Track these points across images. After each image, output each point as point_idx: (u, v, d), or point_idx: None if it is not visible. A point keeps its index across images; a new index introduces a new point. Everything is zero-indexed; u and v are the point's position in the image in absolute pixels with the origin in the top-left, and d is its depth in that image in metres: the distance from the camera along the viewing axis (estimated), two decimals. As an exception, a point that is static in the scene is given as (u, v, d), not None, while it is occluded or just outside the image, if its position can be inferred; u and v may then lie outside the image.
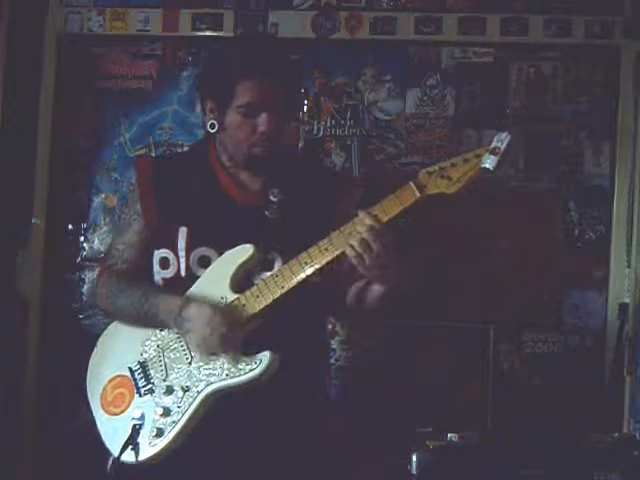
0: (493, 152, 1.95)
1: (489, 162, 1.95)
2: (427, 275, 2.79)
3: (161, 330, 2.12)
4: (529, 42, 2.87)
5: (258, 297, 2.04)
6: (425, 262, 2.80)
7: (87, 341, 2.28)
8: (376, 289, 2.07)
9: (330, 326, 2.80)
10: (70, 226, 3.00)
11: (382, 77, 2.92)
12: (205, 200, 2.15)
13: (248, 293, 2.05)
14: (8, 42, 2.84)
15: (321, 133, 2.93)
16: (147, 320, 2.12)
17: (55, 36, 2.97)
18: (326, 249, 2.01)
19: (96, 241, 2.98)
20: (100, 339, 2.23)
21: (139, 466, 2.01)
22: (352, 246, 1.96)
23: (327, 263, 2.01)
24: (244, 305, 2.04)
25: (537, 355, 2.84)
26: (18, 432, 2.91)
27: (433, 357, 2.84)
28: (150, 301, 2.10)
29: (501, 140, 1.96)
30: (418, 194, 1.98)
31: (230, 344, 2.01)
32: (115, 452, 2.04)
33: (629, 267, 2.80)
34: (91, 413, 2.15)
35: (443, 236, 2.79)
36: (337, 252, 2.01)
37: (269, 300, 2.03)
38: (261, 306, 2.03)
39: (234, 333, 2.01)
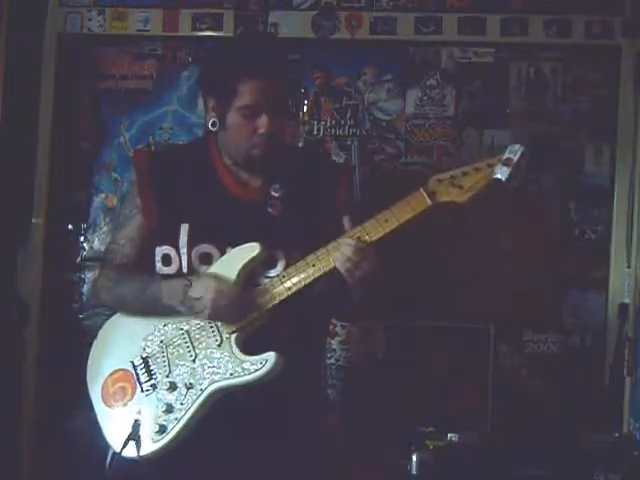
0: (506, 163, 1.94)
1: (501, 173, 1.93)
2: (427, 275, 2.81)
3: (164, 325, 2.10)
4: (529, 42, 2.88)
5: (265, 296, 2.03)
6: (425, 262, 2.81)
7: (87, 341, 2.27)
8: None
9: (330, 326, 2.80)
10: (70, 226, 3.00)
11: (382, 77, 2.92)
12: (206, 196, 2.14)
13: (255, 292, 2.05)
14: (8, 42, 2.84)
15: (321, 133, 2.93)
16: (150, 308, 2.10)
17: (55, 36, 2.98)
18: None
19: (96, 241, 2.98)
20: (100, 331, 2.21)
21: (140, 462, 2.00)
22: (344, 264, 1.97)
23: (334, 267, 1.99)
24: None
25: (537, 355, 2.84)
26: (18, 432, 2.91)
27: (433, 357, 2.84)
28: (152, 288, 2.09)
29: (514, 151, 1.95)
30: (429, 202, 1.97)
31: (241, 309, 2.02)
32: (115, 446, 2.03)
33: (629, 267, 2.80)
34: (91, 413, 2.15)
35: (443, 236, 2.79)
36: None
37: (275, 300, 2.02)
38: (268, 306, 2.02)
39: (242, 299, 2.02)
